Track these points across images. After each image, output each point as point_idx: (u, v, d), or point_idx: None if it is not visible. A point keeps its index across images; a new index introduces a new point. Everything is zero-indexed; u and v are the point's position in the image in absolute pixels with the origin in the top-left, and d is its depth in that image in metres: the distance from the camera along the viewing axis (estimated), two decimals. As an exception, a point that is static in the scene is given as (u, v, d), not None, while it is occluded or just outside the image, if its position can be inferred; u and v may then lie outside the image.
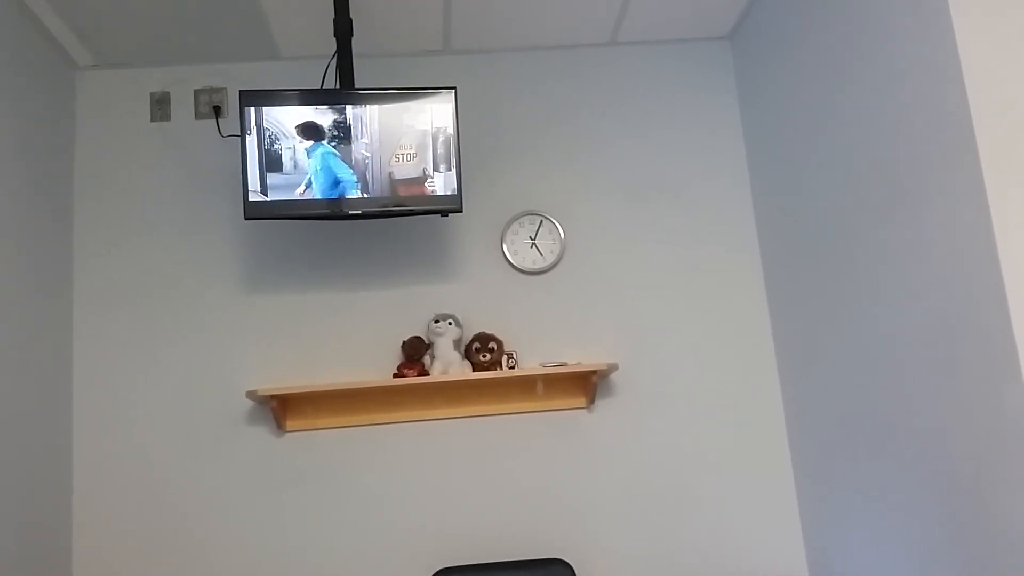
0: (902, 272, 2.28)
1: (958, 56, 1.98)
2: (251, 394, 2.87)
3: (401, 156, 2.77)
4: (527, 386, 3.09)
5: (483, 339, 3.01)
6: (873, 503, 2.53)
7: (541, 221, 3.20)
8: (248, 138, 2.72)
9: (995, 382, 1.93)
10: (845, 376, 2.65)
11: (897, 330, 2.33)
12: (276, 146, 2.73)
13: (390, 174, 2.77)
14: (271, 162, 2.73)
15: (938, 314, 2.13)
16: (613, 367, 2.99)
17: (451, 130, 2.80)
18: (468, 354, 3.01)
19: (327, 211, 2.74)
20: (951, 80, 2.01)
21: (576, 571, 2.96)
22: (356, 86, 3.04)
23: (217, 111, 3.20)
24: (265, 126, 2.74)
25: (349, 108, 2.76)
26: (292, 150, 2.74)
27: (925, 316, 2.19)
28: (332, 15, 2.95)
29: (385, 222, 3.17)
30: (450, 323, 2.99)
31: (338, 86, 2.87)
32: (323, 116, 2.75)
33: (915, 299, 2.23)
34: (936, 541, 2.21)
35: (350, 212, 2.75)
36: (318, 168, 2.74)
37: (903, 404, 2.32)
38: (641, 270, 3.20)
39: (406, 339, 3.03)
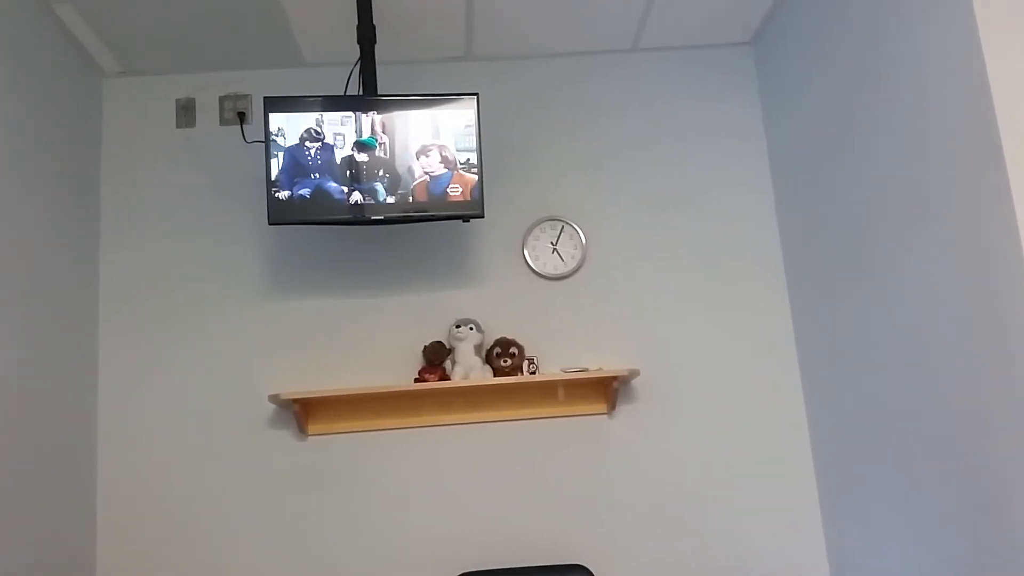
0: (926, 278, 2.27)
1: (983, 59, 1.97)
2: (273, 398, 2.89)
3: (423, 162, 2.79)
4: (548, 392, 3.09)
5: (504, 344, 3.01)
6: (897, 509, 2.51)
7: (562, 227, 3.20)
8: (272, 143, 2.75)
9: (1021, 386, 1.91)
10: (868, 382, 2.63)
11: (921, 336, 2.31)
12: (300, 151, 2.75)
13: (412, 180, 2.78)
14: (295, 167, 2.75)
15: (963, 320, 2.11)
16: (634, 373, 2.98)
17: (473, 136, 2.82)
18: (489, 359, 3.02)
19: (350, 217, 2.76)
20: (977, 84, 2.00)
21: (597, 577, 2.96)
22: (379, 92, 3.07)
23: (242, 117, 3.23)
24: (289, 131, 2.76)
25: (372, 114, 2.78)
26: (315, 155, 2.76)
27: (950, 322, 2.17)
28: (355, 22, 2.98)
29: (407, 228, 3.19)
30: (471, 328, 2.99)
31: (361, 92, 2.89)
32: (346, 122, 2.77)
33: (939, 305, 2.21)
34: (963, 547, 2.19)
35: (372, 218, 2.76)
36: (339, 172, 2.75)
37: (927, 409, 2.30)
38: (663, 276, 3.20)
39: (427, 344, 3.04)
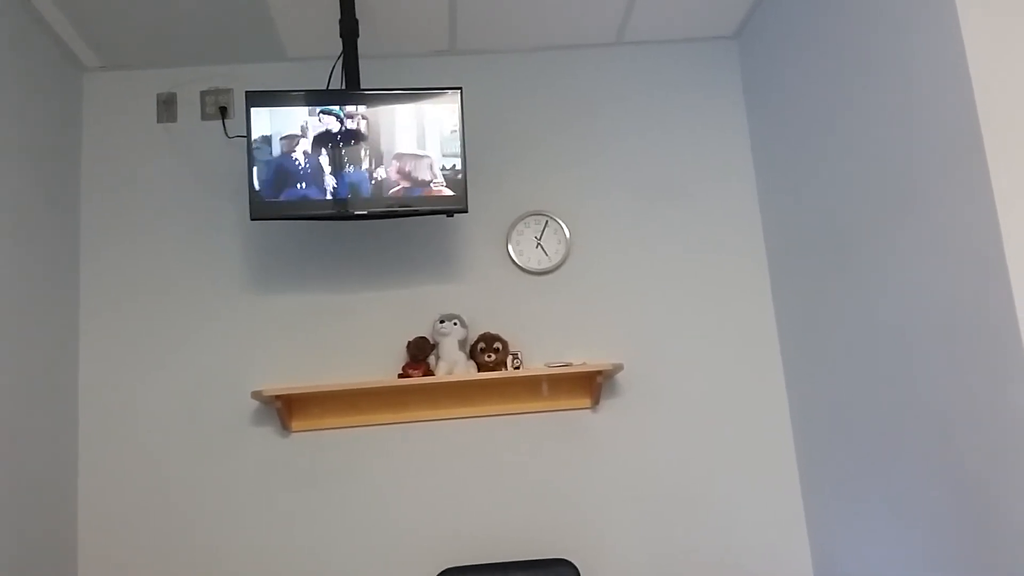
0: (908, 273, 2.27)
1: (965, 55, 1.97)
2: (256, 394, 2.88)
3: (406, 156, 2.78)
4: (532, 386, 3.09)
5: (488, 339, 3.01)
6: (879, 505, 2.52)
7: (547, 221, 3.19)
8: (254, 139, 2.73)
9: (1002, 382, 1.92)
10: (851, 377, 2.64)
11: (903, 331, 2.32)
12: (282, 147, 2.74)
13: (395, 175, 2.77)
14: (277, 163, 2.73)
15: (945, 315, 2.12)
16: (618, 367, 2.98)
17: (457, 130, 2.81)
18: (473, 354, 3.01)
19: (333, 211, 2.74)
20: (958, 79, 2.00)
21: (580, 571, 2.96)
22: (362, 87, 3.05)
23: (223, 112, 3.21)
24: (272, 126, 2.74)
25: (355, 108, 2.76)
26: (298, 150, 2.74)
27: (932, 317, 2.18)
28: (338, 16, 2.96)
29: (391, 222, 3.18)
30: (455, 323, 2.99)
31: (344, 87, 2.88)
32: (329, 117, 2.76)
33: (921, 300, 2.22)
34: (944, 542, 2.20)
35: (356, 212, 2.75)
36: (323, 168, 2.74)
37: (909, 405, 2.31)
38: (647, 270, 3.20)
39: (411, 339, 3.03)
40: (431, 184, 2.78)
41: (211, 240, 3.15)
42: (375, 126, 2.77)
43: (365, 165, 2.75)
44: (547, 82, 3.31)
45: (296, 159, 2.73)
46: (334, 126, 2.75)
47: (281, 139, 2.74)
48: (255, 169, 2.72)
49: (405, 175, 2.77)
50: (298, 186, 2.73)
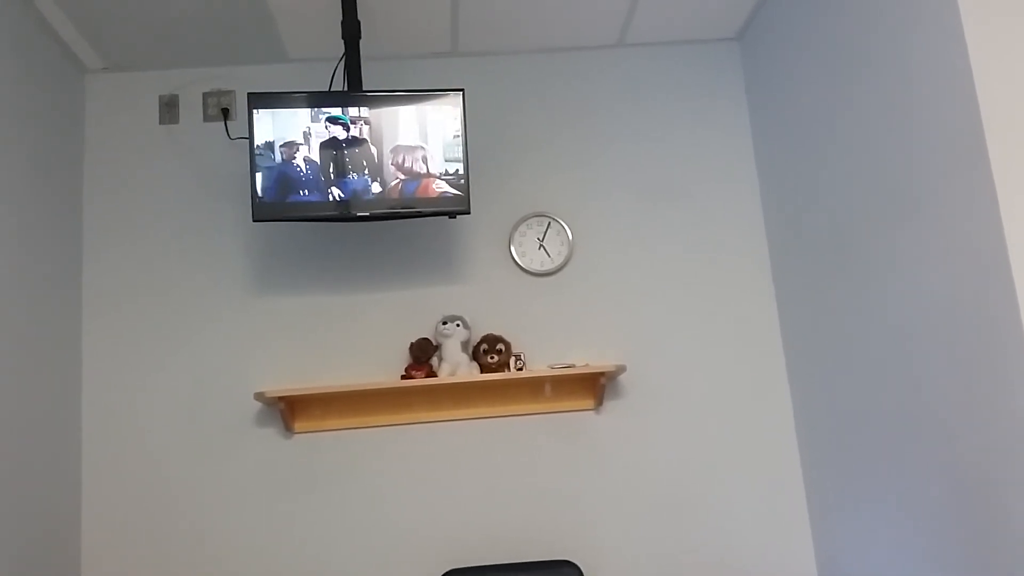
0: (911, 274, 2.27)
1: (968, 57, 1.97)
2: (259, 396, 2.88)
3: (409, 158, 2.78)
4: (535, 388, 3.09)
5: (491, 341, 3.01)
6: (884, 506, 2.52)
7: (549, 223, 3.19)
8: (256, 144, 2.73)
9: (1005, 383, 1.92)
10: (855, 379, 2.64)
11: (906, 332, 2.32)
12: (283, 154, 2.74)
13: (398, 176, 2.77)
14: (279, 170, 2.73)
15: (947, 316, 2.12)
16: (621, 369, 2.98)
17: (459, 132, 2.81)
18: (476, 356, 3.01)
19: (335, 213, 2.74)
20: (962, 80, 2.00)
21: (584, 573, 2.96)
22: (364, 88, 3.05)
23: (226, 113, 3.21)
24: (274, 131, 2.74)
25: (357, 111, 2.76)
26: (299, 156, 2.74)
27: (934, 318, 2.18)
28: (340, 17, 2.96)
29: (393, 224, 3.18)
30: (458, 325, 2.99)
31: (346, 88, 2.88)
32: (336, 126, 2.75)
33: (924, 301, 2.22)
34: (948, 545, 2.20)
35: (358, 214, 2.75)
36: (325, 173, 2.74)
37: (913, 407, 2.31)
38: (650, 271, 3.20)
39: (414, 341, 3.03)
40: (433, 185, 2.78)
41: (214, 241, 3.15)
42: (377, 128, 2.77)
43: (368, 169, 2.75)
44: (549, 84, 3.31)
45: (297, 165, 2.73)
46: (340, 133, 2.75)
47: (281, 146, 2.73)
48: (258, 175, 2.72)
49: (399, 166, 2.76)
50: (301, 192, 2.73)
